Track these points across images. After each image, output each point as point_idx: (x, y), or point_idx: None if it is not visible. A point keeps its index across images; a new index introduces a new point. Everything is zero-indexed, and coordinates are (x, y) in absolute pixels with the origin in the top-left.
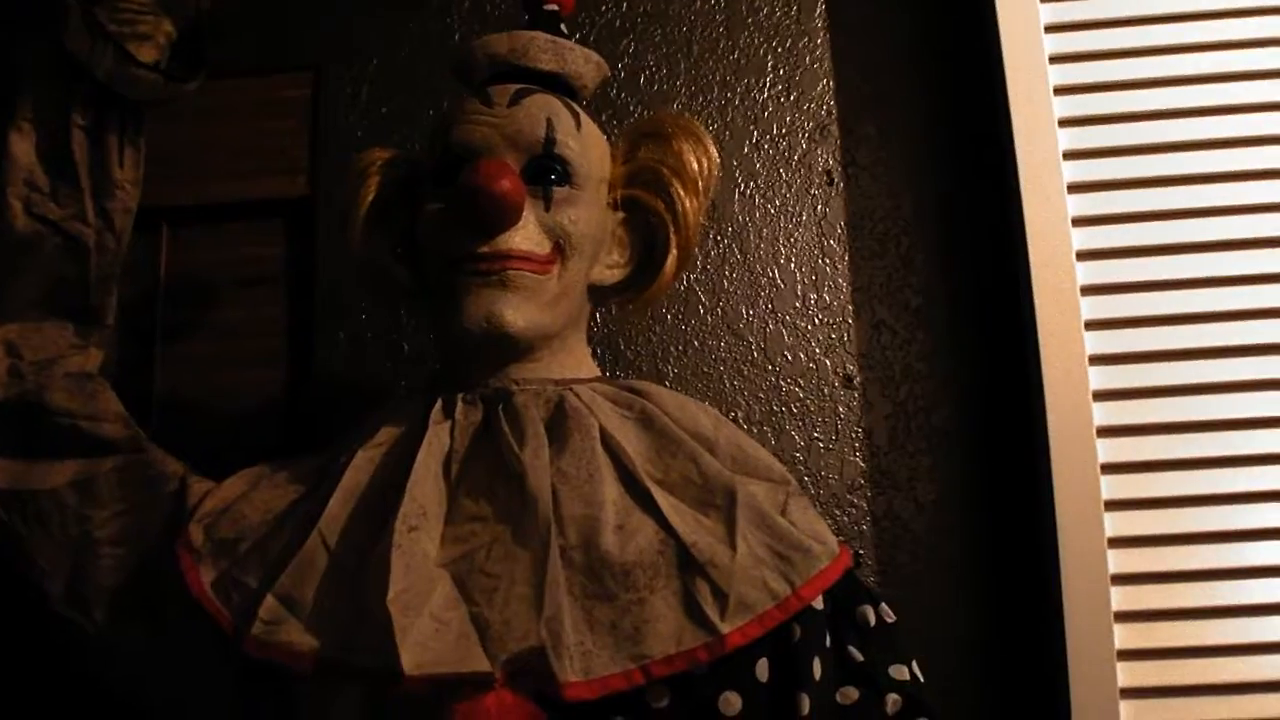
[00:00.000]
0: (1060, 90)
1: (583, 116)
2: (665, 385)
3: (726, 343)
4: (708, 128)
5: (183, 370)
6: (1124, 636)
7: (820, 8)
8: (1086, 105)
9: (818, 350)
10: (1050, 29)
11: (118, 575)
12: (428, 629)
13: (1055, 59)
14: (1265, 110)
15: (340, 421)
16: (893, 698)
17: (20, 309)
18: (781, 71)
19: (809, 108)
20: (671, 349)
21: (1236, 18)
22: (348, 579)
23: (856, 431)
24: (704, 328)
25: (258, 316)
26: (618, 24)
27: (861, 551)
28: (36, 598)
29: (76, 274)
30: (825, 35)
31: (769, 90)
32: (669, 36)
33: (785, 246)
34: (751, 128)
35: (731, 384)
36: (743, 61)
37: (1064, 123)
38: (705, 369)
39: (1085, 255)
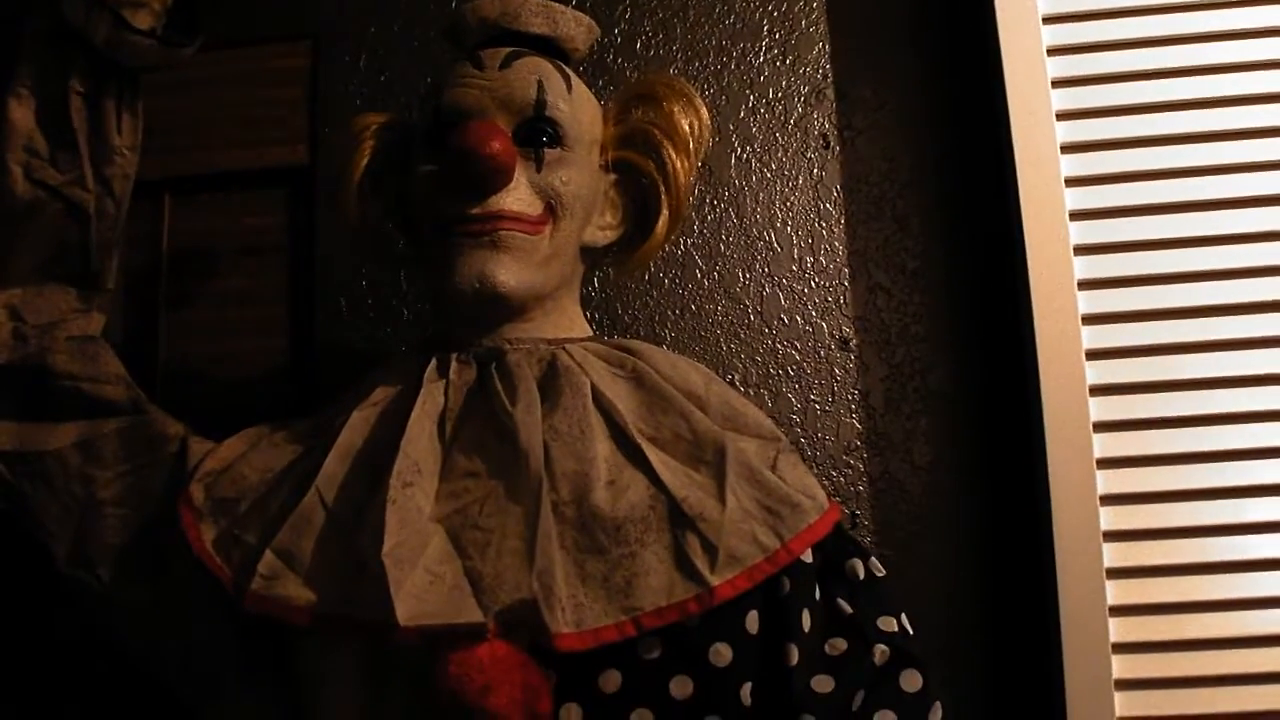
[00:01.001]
0: (1054, 51)
1: (574, 79)
2: (663, 348)
3: (723, 306)
4: (703, 92)
5: (187, 337)
6: (1116, 592)
7: None
8: (1080, 66)
9: (814, 313)
10: None
11: (121, 534)
12: (422, 582)
13: (1049, 19)
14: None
15: (341, 385)
16: (881, 649)
17: (22, 274)
18: (777, 35)
19: (805, 72)
20: (669, 312)
21: None
22: (344, 534)
23: (853, 394)
24: (701, 291)
25: (260, 284)
26: None
27: (858, 512)
28: (45, 559)
29: (77, 239)
30: None
31: (765, 54)
32: (664, 1)
33: (781, 210)
34: (748, 92)
35: (728, 347)
36: (738, 26)
37: (1057, 83)
38: (702, 332)
39: (1078, 215)
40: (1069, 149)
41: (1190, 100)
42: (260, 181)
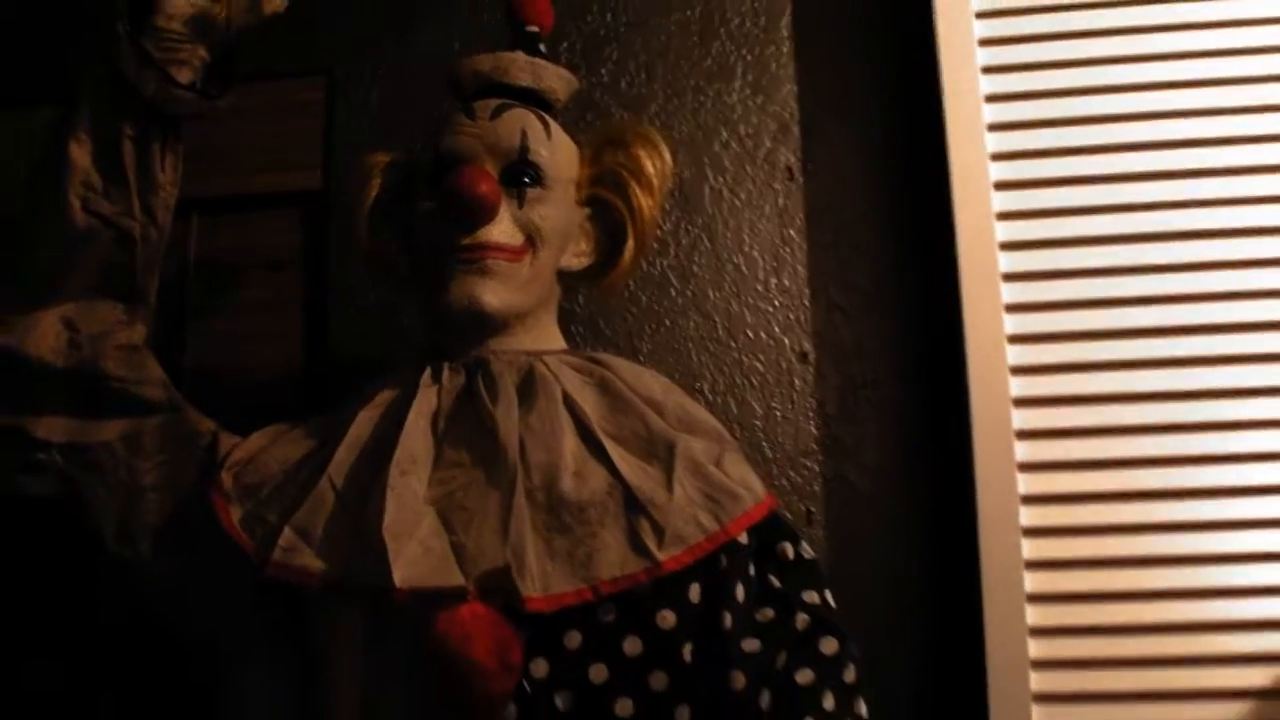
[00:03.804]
0: (990, 98)
1: (553, 126)
2: (639, 360)
3: (695, 322)
4: (681, 127)
5: (210, 345)
6: (1031, 581)
7: (786, 18)
8: (1014, 112)
9: (777, 329)
10: (983, 42)
11: (160, 515)
12: (416, 552)
13: (988, 69)
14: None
15: (348, 388)
16: (803, 617)
17: (76, 291)
18: (749, 77)
19: (773, 110)
20: (646, 327)
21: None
22: (351, 514)
23: (810, 402)
24: (675, 308)
25: (277, 297)
26: (601, 33)
27: (813, 509)
28: (93, 540)
29: (125, 261)
30: (790, 44)
31: (737, 94)
32: (648, 45)
33: (749, 235)
34: (721, 127)
35: (699, 358)
36: (714, 68)
37: (993, 127)
38: (675, 345)
39: (1007, 246)
40: (1001, 186)
41: (1116, 144)
42: (278, 203)
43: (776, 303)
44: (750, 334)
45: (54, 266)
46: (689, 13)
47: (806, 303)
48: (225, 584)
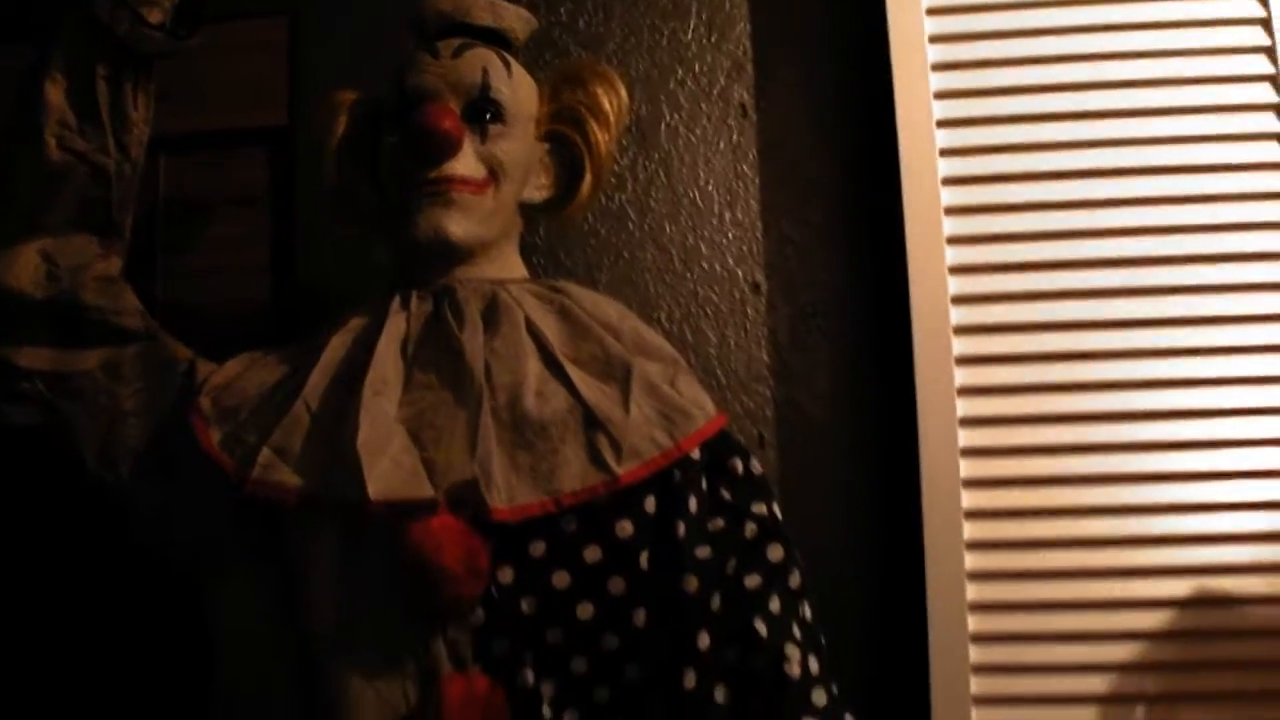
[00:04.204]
0: (935, 39)
1: (514, 64)
2: (599, 290)
3: (652, 254)
4: (637, 65)
5: (181, 280)
6: (968, 498)
7: None
8: (956, 53)
9: (730, 260)
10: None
11: (141, 439)
12: (388, 467)
13: (932, 11)
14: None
15: (317, 319)
16: (751, 526)
17: (54, 226)
18: (704, 16)
19: (727, 49)
20: (605, 259)
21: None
22: (325, 433)
23: (762, 330)
24: (633, 241)
25: (246, 232)
26: None
27: (764, 433)
28: (75, 465)
29: (100, 196)
30: None
31: (692, 32)
32: None
33: (704, 171)
34: (677, 66)
35: (656, 289)
36: (670, 6)
37: (936, 67)
38: (633, 276)
39: (949, 181)
40: (944, 124)
41: (1056, 81)
42: (245, 140)
43: (730, 235)
44: (705, 265)
45: (31, 202)
46: None
47: (759, 236)
48: (205, 504)
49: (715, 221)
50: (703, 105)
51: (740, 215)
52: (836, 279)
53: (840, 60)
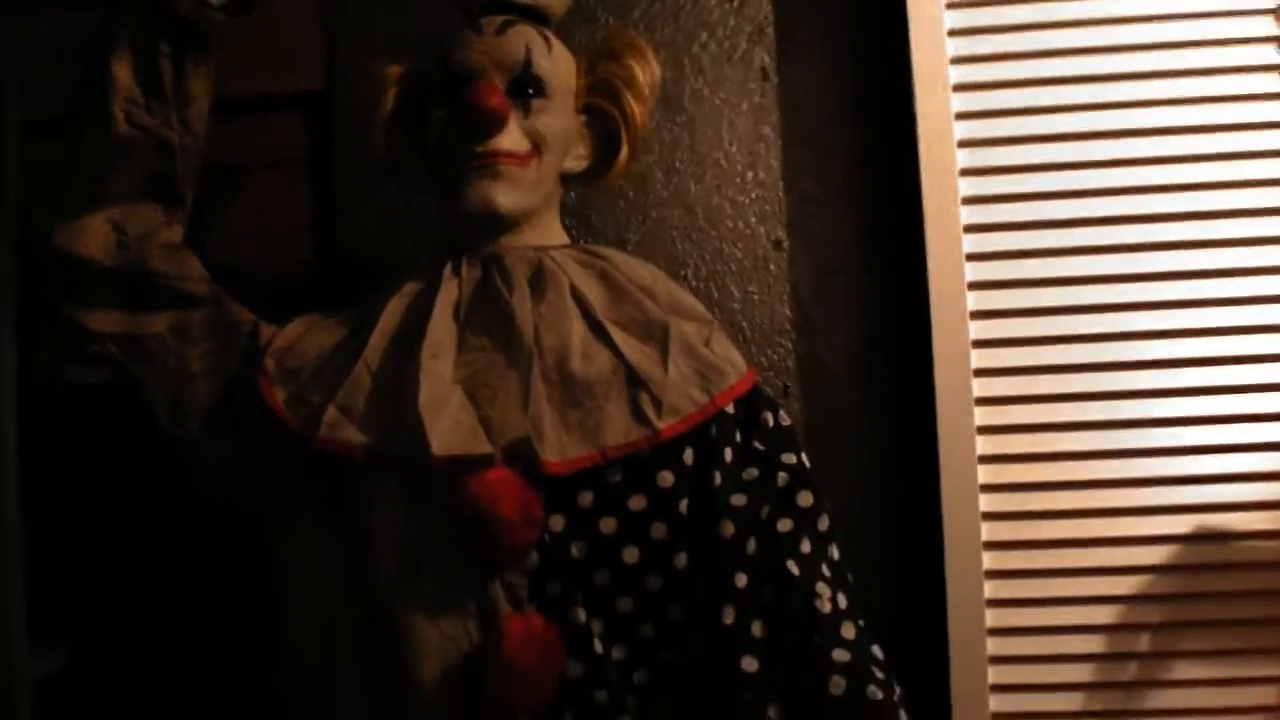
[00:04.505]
0: (951, 4)
1: (553, 40)
2: (627, 249)
3: (678, 213)
4: (663, 30)
5: (221, 243)
6: (982, 444)
7: None
8: (973, 18)
9: (753, 219)
10: None
11: (209, 397)
12: (448, 424)
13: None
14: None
15: (359, 279)
16: (782, 475)
17: (121, 196)
18: None
19: (749, 13)
20: (633, 219)
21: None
22: (387, 393)
23: (785, 286)
24: (659, 201)
25: (284, 195)
26: None
27: (789, 385)
28: (147, 421)
29: (166, 168)
30: None
31: None
32: None
33: (728, 132)
34: (700, 30)
35: (682, 247)
36: None
37: (953, 33)
38: (660, 235)
39: (966, 143)
40: (960, 88)
41: (1066, 76)
42: (282, 105)
43: (753, 195)
44: (729, 224)
45: (100, 173)
46: None
47: (781, 195)
48: (271, 459)
49: (738, 181)
50: (725, 69)
51: (762, 175)
52: (856, 237)
53: (859, 24)
